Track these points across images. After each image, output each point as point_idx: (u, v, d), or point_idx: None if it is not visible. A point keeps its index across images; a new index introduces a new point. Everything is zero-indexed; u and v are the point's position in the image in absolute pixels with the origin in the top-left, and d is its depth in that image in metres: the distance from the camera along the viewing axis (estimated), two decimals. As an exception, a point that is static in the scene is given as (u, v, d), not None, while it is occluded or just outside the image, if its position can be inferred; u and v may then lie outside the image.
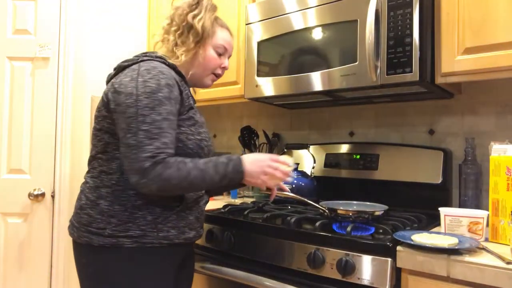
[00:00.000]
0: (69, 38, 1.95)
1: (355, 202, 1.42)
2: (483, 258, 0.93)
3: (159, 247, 1.05)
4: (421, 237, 1.03)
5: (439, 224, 1.23)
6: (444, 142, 1.58)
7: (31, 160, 1.90)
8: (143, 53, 1.16)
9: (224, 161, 1.05)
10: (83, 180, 1.14)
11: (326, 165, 1.77)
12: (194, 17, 1.16)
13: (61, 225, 1.91)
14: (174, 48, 1.16)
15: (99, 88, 2.00)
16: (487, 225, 1.11)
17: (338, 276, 1.09)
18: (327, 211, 1.31)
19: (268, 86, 1.61)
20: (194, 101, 1.21)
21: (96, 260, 1.04)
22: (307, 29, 1.49)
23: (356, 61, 1.35)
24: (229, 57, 1.28)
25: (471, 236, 1.10)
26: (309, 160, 1.84)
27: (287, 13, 1.55)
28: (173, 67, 1.13)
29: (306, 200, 1.39)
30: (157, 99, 1.00)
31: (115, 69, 1.14)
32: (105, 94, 1.08)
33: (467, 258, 0.94)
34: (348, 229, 1.14)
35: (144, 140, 0.96)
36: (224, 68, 1.27)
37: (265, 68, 1.62)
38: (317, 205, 1.34)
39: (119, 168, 1.05)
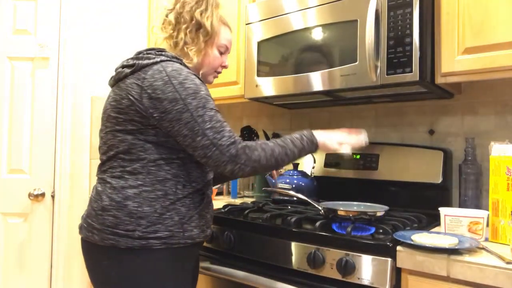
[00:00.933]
0: (69, 38, 1.95)
1: (355, 202, 1.41)
2: (483, 258, 0.93)
3: (183, 247, 1.06)
4: (421, 237, 1.03)
5: (439, 224, 1.23)
6: (444, 142, 1.58)
7: (31, 160, 1.90)
8: (150, 49, 1.13)
9: (298, 136, 1.14)
10: (98, 179, 1.11)
11: (326, 165, 1.77)
12: (202, 14, 1.14)
13: (61, 225, 1.91)
14: (185, 48, 1.14)
15: (99, 88, 2.01)
16: (487, 225, 1.11)
17: (338, 276, 1.09)
18: (322, 211, 1.31)
19: (268, 86, 1.61)
20: None
21: (121, 262, 1.01)
22: (307, 29, 1.49)
23: (356, 61, 1.35)
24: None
25: (471, 236, 1.10)
26: (309, 160, 1.84)
27: (287, 13, 1.55)
28: (187, 67, 1.11)
29: (307, 199, 1.38)
30: (202, 97, 1.04)
31: (128, 66, 1.08)
32: (136, 98, 1.03)
33: (467, 258, 0.94)
34: (348, 229, 1.14)
35: (216, 136, 1.02)
36: (224, 67, 1.28)
37: (265, 68, 1.62)
38: (316, 205, 1.34)
39: (144, 168, 1.04)
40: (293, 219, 1.26)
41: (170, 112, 1.01)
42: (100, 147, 1.14)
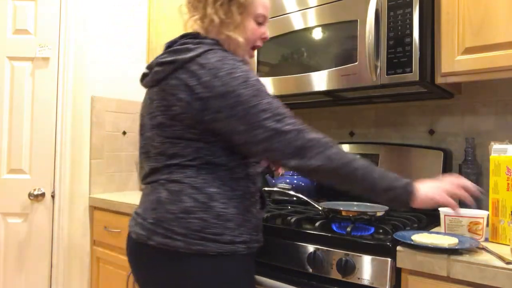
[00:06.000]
0: (69, 38, 1.94)
1: (355, 202, 1.41)
2: (483, 258, 0.93)
3: (255, 252, 1.04)
4: (421, 237, 1.03)
5: (439, 224, 1.23)
6: (444, 142, 1.58)
7: (31, 160, 1.90)
8: (184, 36, 1.01)
9: (393, 175, 0.94)
10: (165, 178, 0.98)
11: (326, 165, 1.77)
12: None
13: (61, 225, 1.91)
14: (222, 28, 1.00)
15: (99, 88, 2.01)
16: (487, 225, 1.11)
17: (338, 276, 1.09)
18: (321, 211, 1.31)
19: (268, 86, 1.60)
20: None
21: (211, 270, 0.92)
22: (307, 29, 1.49)
23: (356, 61, 1.35)
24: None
25: (471, 236, 1.10)
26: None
27: (287, 13, 1.55)
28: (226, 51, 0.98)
29: (307, 199, 1.38)
30: (253, 85, 0.92)
31: (167, 63, 0.96)
32: (187, 101, 0.92)
33: (467, 258, 0.94)
34: (348, 229, 1.13)
35: (277, 125, 0.89)
36: (264, 39, 1.09)
37: (265, 68, 1.62)
38: (316, 205, 1.34)
39: (218, 167, 0.97)
40: (293, 219, 1.26)
41: (221, 110, 0.90)
42: (149, 155, 1.03)
